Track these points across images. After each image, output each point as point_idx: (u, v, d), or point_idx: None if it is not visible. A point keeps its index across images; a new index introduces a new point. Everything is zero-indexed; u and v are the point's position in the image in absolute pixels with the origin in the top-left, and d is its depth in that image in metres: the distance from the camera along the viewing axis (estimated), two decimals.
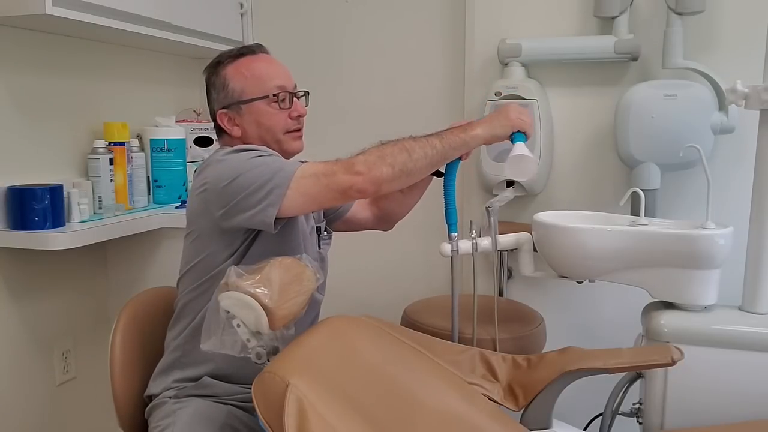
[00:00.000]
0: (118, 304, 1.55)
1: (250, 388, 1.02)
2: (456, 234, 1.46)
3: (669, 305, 1.53)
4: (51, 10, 1.53)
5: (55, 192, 1.67)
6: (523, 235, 1.64)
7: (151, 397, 1.38)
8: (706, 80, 1.87)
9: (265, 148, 1.33)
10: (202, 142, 2.27)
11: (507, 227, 1.82)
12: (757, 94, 1.45)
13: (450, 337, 1.53)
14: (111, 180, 1.90)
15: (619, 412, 1.58)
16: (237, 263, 1.28)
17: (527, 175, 1.40)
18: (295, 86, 1.44)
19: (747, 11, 1.89)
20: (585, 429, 1.78)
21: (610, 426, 1.56)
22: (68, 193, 1.74)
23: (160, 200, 2.10)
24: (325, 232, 1.52)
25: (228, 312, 1.05)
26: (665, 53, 1.86)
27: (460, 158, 1.41)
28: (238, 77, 1.39)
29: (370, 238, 1.77)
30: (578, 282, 1.62)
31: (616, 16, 1.93)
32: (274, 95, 1.38)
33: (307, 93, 1.47)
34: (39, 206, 1.64)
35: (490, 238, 1.55)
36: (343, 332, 1.19)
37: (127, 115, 2.07)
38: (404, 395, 1.14)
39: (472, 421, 1.18)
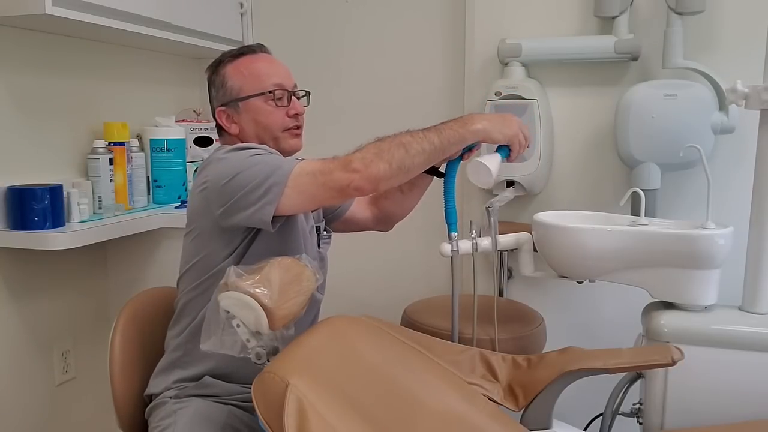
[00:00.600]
0: (118, 304, 1.55)
1: (251, 388, 1.02)
2: (456, 234, 1.45)
3: (669, 305, 1.53)
4: (51, 10, 1.53)
5: (55, 192, 1.67)
6: (523, 235, 1.64)
7: (151, 397, 1.38)
8: (707, 80, 1.87)
9: (264, 146, 1.33)
10: (202, 142, 2.27)
11: (507, 227, 1.82)
12: (757, 94, 1.45)
13: (450, 337, 1.53)
14: (111, 180, 1.90)
15: (620, 412, 1.58)
16: (237, 262, 1.29)
17: (481, 185, 1.37)
18: (295, 86, 1.43)
19: (747, 11, 1.89)
20: (585, 429, 1.78)
21: (610, 426, 1.56)
22: (68, 193, 1.74)
23: (159, 200, 2.10)
24: (325, 232, 1.52)
25: (228, 312, 1.05)
26: (665, 53, 1.86)
27: (460, 158, 1.40)
28: (236, 75, 1.39)
29: (370, 238, 1.76)
30: (578, 282, 1.62)
31: (616, 16, 1.93)
32: (270, 92, 1.38)
33: (308, 93, 1.47)
34: (39, 206, 1.64)
35: (490, 238, 1.55)
36: (343, 332, 1.19)
37: (127, 115, 2.07)
38: (404, 395, 1.14)
39: (472, 421, 1.18)
